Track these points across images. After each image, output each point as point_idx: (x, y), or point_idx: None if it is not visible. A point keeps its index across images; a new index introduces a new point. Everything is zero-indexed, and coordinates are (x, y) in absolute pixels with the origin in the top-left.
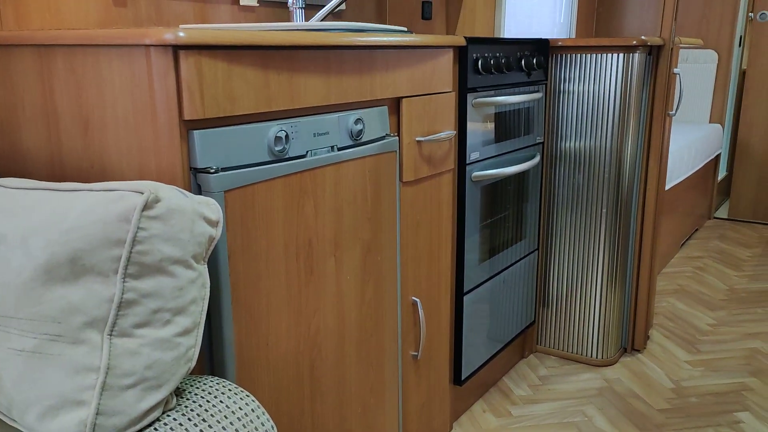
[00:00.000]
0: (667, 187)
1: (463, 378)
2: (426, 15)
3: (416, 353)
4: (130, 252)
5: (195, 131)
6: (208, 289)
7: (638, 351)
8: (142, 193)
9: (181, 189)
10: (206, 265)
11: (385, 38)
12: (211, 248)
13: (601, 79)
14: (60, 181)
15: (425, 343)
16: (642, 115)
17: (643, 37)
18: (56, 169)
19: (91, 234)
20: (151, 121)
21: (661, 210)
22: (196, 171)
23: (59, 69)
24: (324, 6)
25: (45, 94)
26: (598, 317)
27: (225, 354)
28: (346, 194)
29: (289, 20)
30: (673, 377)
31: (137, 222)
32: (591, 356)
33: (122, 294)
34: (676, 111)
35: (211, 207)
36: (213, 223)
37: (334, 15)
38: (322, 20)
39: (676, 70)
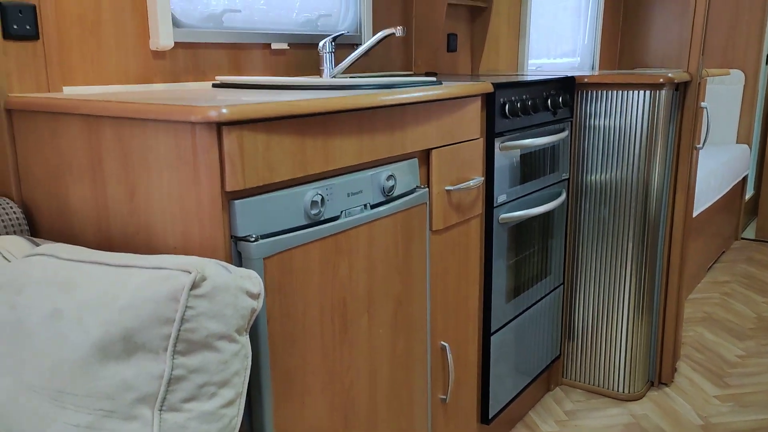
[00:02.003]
0: (694, 215)
1: (490, 417)
2: (451, 47)
3: (445, 397)
4: (179, 330)
5: (236, 201)
6: (249, 359)
7: (665, 385)
8: (190, 273)
9: (224, 264)
10: (248, 336)
11: (415, 94)
12: (253, 319)
13: (628, 114)
14: (106, 243)
15: (453, 385)
16: (669, 148)
17: (669, 74)
18: (103, 231)
19: (143, 313)
20: (195, 192)
21: (688, 240)
22: (236, 239)
23: (107, 138)
24: (353, 44)
25: (93, 160)
26: (625, 350)
27: (264, 417)
28: (379, 251)
29: (318, 63)
30: (701, 413)
31: (185, 301)
32: (618, 390)
33: (171, 370)
34: (703, 144)
35: (252, 280)
36: (254, 296)
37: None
38: (351, 65)
39: (703, 104)
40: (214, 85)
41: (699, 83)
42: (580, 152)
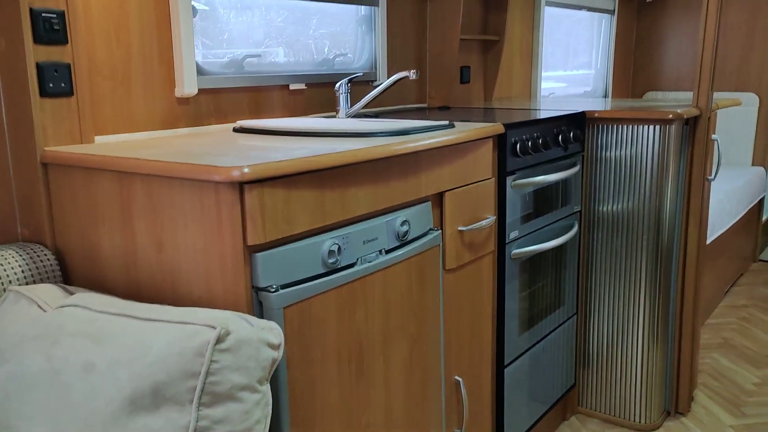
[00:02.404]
0: (708, 240)
1: None
2: (464, 79)
3: (459, 430)
4: (204, 383)
5: (257, 254)
6: (270, 407)
7: (682, 414)
8: (215, 328)
9: (246, 317)
10: (269, 385)
11: (428, 141)
12: (273, 369)
13: (639, 147)
14: (135, 289)
15: (468, 419)
16: (680, 180)
17: (679, 110)
18: (131, 278)
19: (171, 367)
20: (218, 245)
21: (702, 269)
22: (258, 289)
23: (137, 192)
24: (368, 81)
25: (123, 212)
26: (640, 379)
27: None
28: (394, 294)
29: (335, 102)
30: None
31: (210, 356)
32: (634, 420)
33: (197, 422)
34: (715, 176)
35: (273, 332)
36: (275, 347)
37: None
38: (366, 105)
39: (714, 137)
40: (235, 130)
41: (709, 117)
42: (592, 184)
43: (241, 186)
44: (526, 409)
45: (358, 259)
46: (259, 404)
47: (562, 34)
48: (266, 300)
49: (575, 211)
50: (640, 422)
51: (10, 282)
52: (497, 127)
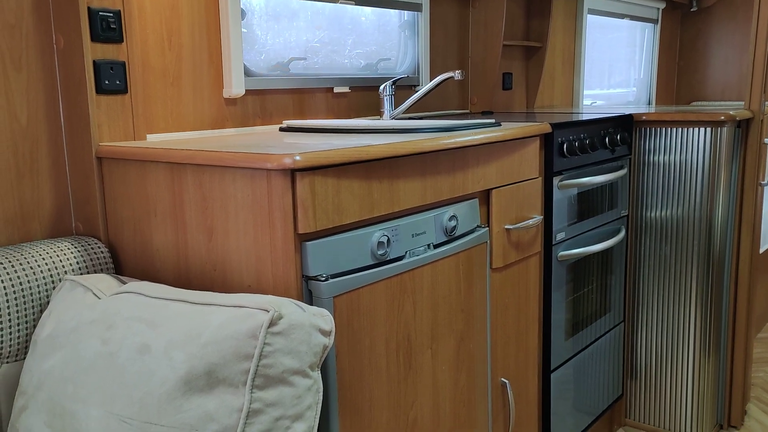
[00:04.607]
0: (762, 249)
1: None
2: (507, 86)
3: None
4: (257, 365)
5: (307, 243)
6: (321, 394)
7: (735, 428)
8: (268, 311)
9: (298, 303)
10: (320, 372)
11: (477, 136)
12: (324, 355)
13: (688, 151)
14: (185, 280)
15: (515, 423)
16: (732, 185)
17: (731, 111)
18: (182, 269)
19: (225, 349)
20: (269, 234)
21: (755, 278)
22: (307, 278)
23: (189, 183)
24: (411, 86)
25: (175, 203)
26: (691, 391)
27: None
28: (442, 289)
29: (378, 105)
30: None
31: (263, 338)
32: None
33: (250, 404)
34: None
35: (325, 318)
36: (326, 333)
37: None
38: (409, 109)
39: (767, 140)
40: (281, 129)
41: (762, 120)
42: (640, 189)
43: (292, 173)
44: (571, 419)
45: (406, 252)
46: (310, 390)
47: (602, 50)
48: (316, 289)
49: (622, 215)
50: None
51: (65, 272)
52: (544, 126)
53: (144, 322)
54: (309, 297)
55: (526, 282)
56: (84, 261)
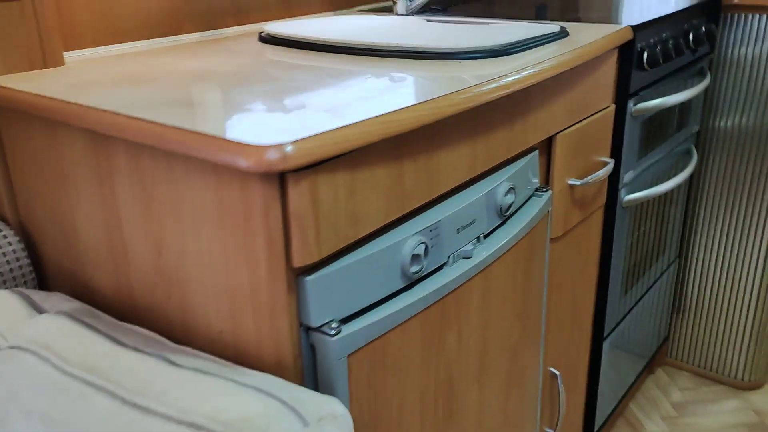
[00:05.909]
0: None
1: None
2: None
3: (552, 430)
4: None
5: (308, 279)
6: None
7: None
8: None
9: (295, 401)
10: None
11: (546, 64)
12: None
13: None
14: (128, 298)
15: (563, 418)
16: None
17: None
18: (122, 283)
19: None
20: (246, 265)
21: None
22: (308, 329)
23: (121, 165)
24: None
25: (104, 192)
26: (748, 329)
27: None
28: (495, 300)
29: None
30: None
31: None
32: (734, 377)
33: None
34: None
35: (337, 421)
36: None
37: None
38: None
39: None
40: (261, 38)
41: None
42: (718, 94)
43: (281, 177)
44: (618, 380)
45: (449, 257)
46: None
47: None
48: (322, 345)
49: (693, 131)
50: (742, 379)
51: None
52: (624, 32)
53: (47, 423)
54: (310, 354)
55: (587, 246)
56: None
